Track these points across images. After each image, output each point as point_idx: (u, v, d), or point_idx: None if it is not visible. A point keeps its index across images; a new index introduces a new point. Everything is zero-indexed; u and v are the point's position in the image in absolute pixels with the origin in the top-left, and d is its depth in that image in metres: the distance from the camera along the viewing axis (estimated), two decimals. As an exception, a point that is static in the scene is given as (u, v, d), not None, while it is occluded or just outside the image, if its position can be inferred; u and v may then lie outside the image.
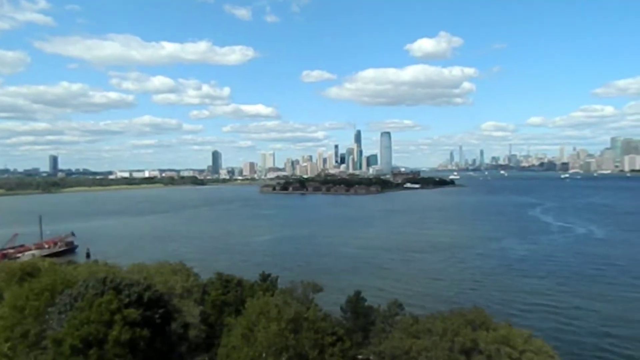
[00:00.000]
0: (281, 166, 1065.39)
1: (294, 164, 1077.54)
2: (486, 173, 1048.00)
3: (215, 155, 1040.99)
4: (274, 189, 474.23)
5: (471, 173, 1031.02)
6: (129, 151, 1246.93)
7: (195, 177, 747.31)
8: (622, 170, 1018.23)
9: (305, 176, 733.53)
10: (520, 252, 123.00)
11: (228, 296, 44.77)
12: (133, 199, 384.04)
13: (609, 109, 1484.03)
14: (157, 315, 33.64)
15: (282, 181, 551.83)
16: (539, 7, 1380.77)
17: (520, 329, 35.85)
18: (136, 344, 30.54)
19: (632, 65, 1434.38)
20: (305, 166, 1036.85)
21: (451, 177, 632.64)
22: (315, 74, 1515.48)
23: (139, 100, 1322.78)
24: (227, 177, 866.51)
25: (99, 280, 34.94)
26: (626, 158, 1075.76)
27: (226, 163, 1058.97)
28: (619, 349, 57.02)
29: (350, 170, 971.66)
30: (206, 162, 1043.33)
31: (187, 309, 42.24)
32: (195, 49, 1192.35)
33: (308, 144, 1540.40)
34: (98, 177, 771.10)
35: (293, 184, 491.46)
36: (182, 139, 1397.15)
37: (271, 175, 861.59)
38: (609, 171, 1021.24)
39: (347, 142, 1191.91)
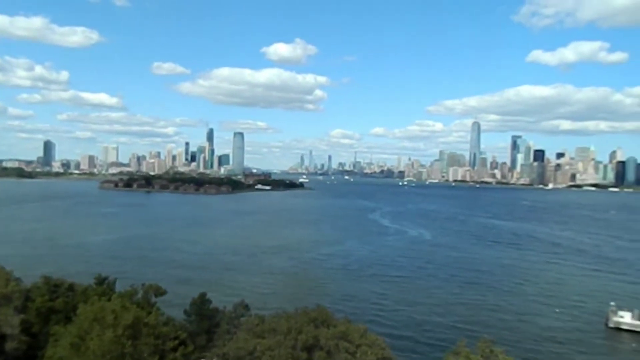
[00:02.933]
0: (125, 161, 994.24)
1: (139, 159, 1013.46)
2: (333, 177, 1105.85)
3: (48, 146, 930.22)
4: (116, 185, 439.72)
5: (320, 177, 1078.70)
6: None
7: (22, 169, 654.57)
8: (447, 180, 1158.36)
9: (152, 173, 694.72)
10: (361, 252, 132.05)
11: (57, 302, 40.21)
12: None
13: (439, 125, 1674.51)
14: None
15: (125, 177, 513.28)
16: (387, 25, 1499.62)
17: (358, 325, 38.26)
18: None
19: (457, 88, 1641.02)
20: (153, 163, 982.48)
21: (301, 180, 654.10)
22: (167, 67, 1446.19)
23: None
24: (62, 170, 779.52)
25: None
26: (451, 169, 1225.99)
27: (61, 155, 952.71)
28: (440, 335, 64.36)
29: (201, 169, 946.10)
30: (36, 153, 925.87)
31: (3, 318, 36.89)
32: (28, 25, 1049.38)
33: (156, 139, 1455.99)
34: None
35: (138, 181, 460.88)
36: (7, 124, 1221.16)
37: (113, 170, 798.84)
38: (437, 180, 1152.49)
39: (198, 140, 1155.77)
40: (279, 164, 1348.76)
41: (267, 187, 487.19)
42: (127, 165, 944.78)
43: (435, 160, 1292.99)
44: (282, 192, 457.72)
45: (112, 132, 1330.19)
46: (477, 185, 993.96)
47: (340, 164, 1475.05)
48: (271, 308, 48.46)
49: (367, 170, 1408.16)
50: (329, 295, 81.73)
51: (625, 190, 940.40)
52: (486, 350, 36.50)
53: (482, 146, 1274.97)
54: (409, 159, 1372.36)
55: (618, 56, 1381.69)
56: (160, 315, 36.15)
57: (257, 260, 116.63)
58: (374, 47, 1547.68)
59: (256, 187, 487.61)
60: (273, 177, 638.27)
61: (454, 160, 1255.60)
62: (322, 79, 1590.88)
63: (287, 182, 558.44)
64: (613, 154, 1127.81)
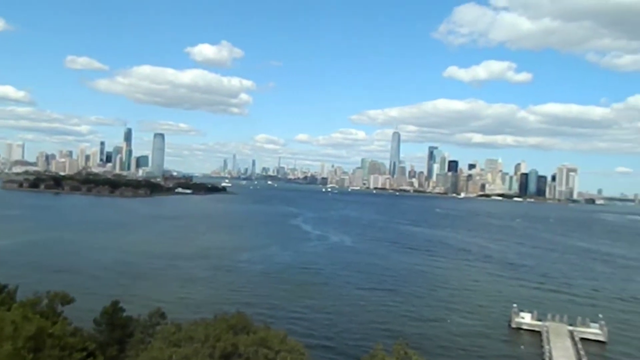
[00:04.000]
0: (32, 160, 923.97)
1: (48, 158, 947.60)
2: (256, 182, 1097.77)
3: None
4: (21, 185, 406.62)
5: (243, 182, 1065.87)
6: None
7: None
8: (368, 187, 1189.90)
9: (62, 173, 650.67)
10: (282, 258, 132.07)
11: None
12: None
13: (361, 134, 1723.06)
14: None
15: (32, 177, 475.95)
16: (314, 33, 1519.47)
17: (277, 330, 38.30)
18: None
19: (379, 98, 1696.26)
20: (63, 162, 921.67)
21: (223, 184, 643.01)
22: (83, 61, 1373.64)
23: None
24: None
25: None
26: (372, 177, 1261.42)
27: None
28: (358, 339, 65.83)
29: (117, 171, 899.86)
30: None
31: None
32: None
33: (68, 137, 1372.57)
34: None
35: (46, 182, 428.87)
36: None
37: (18, 169, 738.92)
38: (358, 187, 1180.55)
39: (115, 140, 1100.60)
40: (201, 168, 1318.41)
41: (188, 191, 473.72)
42: (34, 164, 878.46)
43: (357, 168, 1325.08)
44: (203, 197, 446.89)
45: (18, 127, 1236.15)
46: (397, 193, 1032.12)
47: (264, 169, 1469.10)
48: (189, 316, 47.11)
49: (290, 176, 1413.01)
50: (249, 302, 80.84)
51: (528, 200, 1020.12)
52: (401, 352, 37.95)
53: (402, 155, 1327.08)
54: (332, 166, 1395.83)
55: (524, 76, 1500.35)
56: (67, 325, 33.92)
57: (175, 266, 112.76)
58: (300, 54, 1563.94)
59: (176, 190, 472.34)
60: (195, 180, 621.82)
61: (375, 168, 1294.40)
62: (247, 83, 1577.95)
63: (209, 186, 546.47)
64: (518, 167, 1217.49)
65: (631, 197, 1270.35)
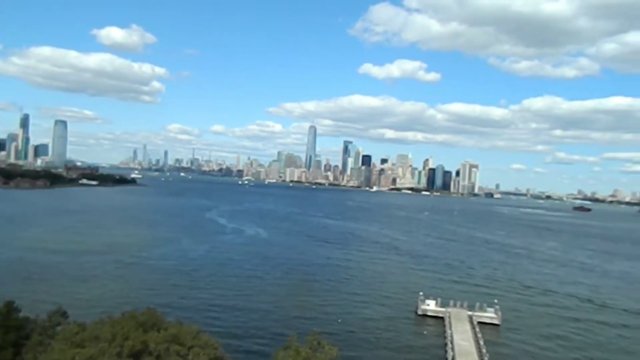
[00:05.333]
0: None
1: None
2: (168, 174, 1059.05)
3: None
4: None
5: (154, 173, 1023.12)
6: None
7: None
8: (284, 180, 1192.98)
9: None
10: (196, 252, 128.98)
11: None
12: None
13: (278, 127, 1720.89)
14: None
15: None
16: (231, 23, 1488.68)
17: (190, 326, 37.60)
18: None
19: (297, 92, 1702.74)
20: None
21: (133, 175, 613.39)
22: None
23: None
24: None
25: None
26: (288, 170, 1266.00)
27: None
28: (273, 331, 66.21)
29: (12, 160, 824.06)
30: None
31: None
32: None
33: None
34: None
35: None
36: None
37: None
38: (275, 180, 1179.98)
39: (9, 127, 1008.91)
40: (108, 158, 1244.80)
41: (94, 183, 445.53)
42: None
43: (274, 161, 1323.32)
44: (111, 189, 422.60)
45: None
46: (313, 186, 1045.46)
47: (177, 160, 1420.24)
48: (95, 315, 44.68)
49: (205, 168, 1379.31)
50: (161, 297, 78.30)
51: (435, 193, 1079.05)
52: (314, 342, 38.94)
53: (318, 149, 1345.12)
54: (249, 158, 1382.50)
55: (433, 76, 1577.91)
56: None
57: (80, 263, 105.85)
58: (217, 44, 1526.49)
59: (80, 182, 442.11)
60: (101, 171, 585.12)
61: (292, 161, 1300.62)
62: (160, 70, 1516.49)
63: (117, 177, 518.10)
64: (426, 162, 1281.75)
65: (524, 191, 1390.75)
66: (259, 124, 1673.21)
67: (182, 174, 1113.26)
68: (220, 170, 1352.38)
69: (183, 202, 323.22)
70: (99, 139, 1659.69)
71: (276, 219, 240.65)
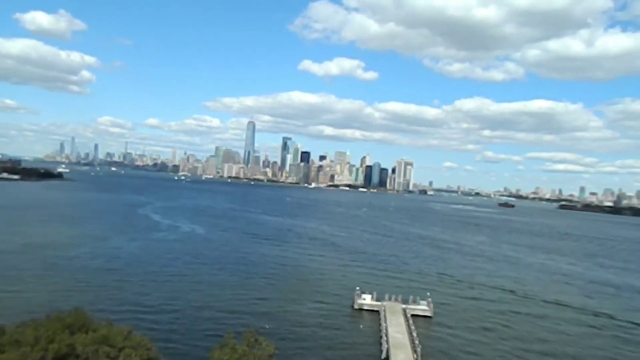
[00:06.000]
0: None
1: None
2: (99, 169, 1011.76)
3: None
4: None
5: (83, 167, 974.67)
6: None
7: None
8: (222, 176, 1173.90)
9: None
10: (128, 250, 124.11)
11: None
12: None
13: (216, 121, 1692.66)
14: None
15: None
16: (167, 13, 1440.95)
17: (121, 326, 36.28)
18: None
19: (235, 86, 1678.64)
20: None
21: (59, 169, 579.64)
22: None
23: None
24: None
25: None
26: (226, 166, 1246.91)
27: None
28: (210, 330, 65.04)
29: None
30: None
31: None
32: None
33: None
34: None
35: None
36: None
37: None
38: (212, 176, 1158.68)
39: None
40: (32, 151, 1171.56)
41: (15, 177, 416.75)
42: None
43: (211, 156, 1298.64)
44: (35, 183, 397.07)
45: None
46: (252, 183, 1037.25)
47: (108, 154, 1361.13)
48: (15, 318, 41.94)
49: (139, 163, 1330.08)
50: (89, 298, 74.75)
51: (371, 190, 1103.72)
52: (251, 339, 38.85)
53: (256, 145, 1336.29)
54: (185, 153, 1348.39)
55: (371, 75, 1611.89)
56: None
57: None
58: (152, 34, 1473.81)
59: (0, 176, 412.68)
60: (24, 165, 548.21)
61: (230, 157, 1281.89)
62: (90, 59, 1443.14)
63: (42, 171, 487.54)
64: (363, 159, 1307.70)
65: (455, 188, 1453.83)
66: (196, 118, 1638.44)
67: (113, 169, 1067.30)
68: (155, 165, 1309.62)
69: (114, 197, 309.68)
70: (22, 130, 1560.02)
71: (213, 216, 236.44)
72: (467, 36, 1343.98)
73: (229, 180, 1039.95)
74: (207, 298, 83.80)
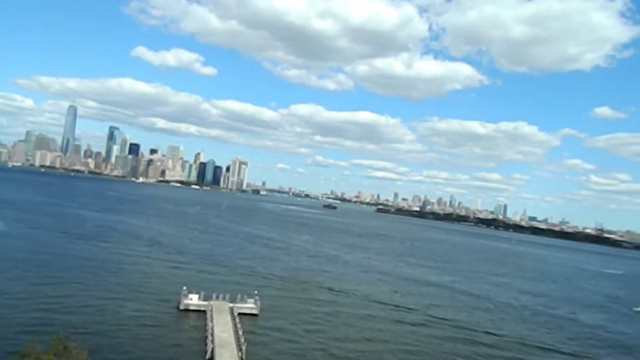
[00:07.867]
0: None
1: None
2: None
3: None
4: None
5: None
6: None
7: None
8: (33, 165, 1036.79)
9: None
10: None
11: None
12: None
13: (29, 102, 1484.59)
14: None
15: None
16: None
17: None
18: None
19: (55, 65, 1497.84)
20: None
21: None
22: None
23: None
24: None
25: None
26: (39, 153, 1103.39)
27: None
28: (13, 339, 57.14)
29: None
30: None
31: None
32: None
33: None
34: None
35: None
36: None
37: None
38: (20, 164, 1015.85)
39: None
40: None
41: None
42: None
43: (20, 141, 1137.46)
44: None
45: None
46: (71, 174, 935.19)
47: None
48: None
49: None
50: None
51: (204, 188, 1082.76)
52: (60, 347, 35.52)
53: (77, 132, 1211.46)
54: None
55: (210, 70, 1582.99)
56: None
57: None
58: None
59: None
60: None
61: (44, 143, 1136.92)
62: None
63: None
64: (198, 156, 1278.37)
65: (287, 189, 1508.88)
66: (3, 96, 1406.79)
67: None
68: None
69: None
70: None
71: (20, 210, 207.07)
72: (306, 45, 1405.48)
73: (42, 170, 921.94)
74: (8, 302, 73.24)
